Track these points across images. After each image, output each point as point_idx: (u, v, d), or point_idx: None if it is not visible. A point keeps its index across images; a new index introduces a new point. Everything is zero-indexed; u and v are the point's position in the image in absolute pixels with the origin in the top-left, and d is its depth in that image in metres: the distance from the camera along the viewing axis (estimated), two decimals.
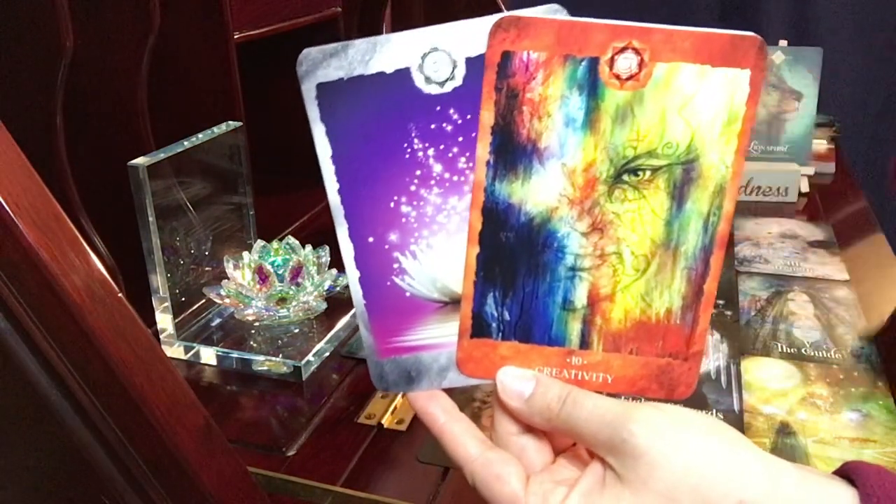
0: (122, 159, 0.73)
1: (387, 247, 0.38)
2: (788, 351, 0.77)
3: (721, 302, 0.86)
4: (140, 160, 0.73)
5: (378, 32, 1.33)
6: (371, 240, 0.38)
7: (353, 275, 0.38)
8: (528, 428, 0.38)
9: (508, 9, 1.41)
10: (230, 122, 0.86)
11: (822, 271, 0.94)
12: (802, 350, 0.77)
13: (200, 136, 0.81)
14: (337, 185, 0.37)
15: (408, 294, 0.38)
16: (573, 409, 0.36)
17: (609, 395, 0.37)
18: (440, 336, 0.38)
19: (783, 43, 1.25)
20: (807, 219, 1.11)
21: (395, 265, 0.38)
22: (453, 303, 0.38)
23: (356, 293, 0.38)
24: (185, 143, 0.79)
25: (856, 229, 1.09)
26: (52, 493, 0.57)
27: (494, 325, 0.37)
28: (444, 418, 0.38)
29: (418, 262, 0.38)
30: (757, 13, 1.70)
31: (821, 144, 1.31)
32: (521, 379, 0.37)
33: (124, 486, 0.51)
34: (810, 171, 1.25)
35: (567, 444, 0.39)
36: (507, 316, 0.37)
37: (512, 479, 0.36)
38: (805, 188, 1.20)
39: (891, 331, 0.81)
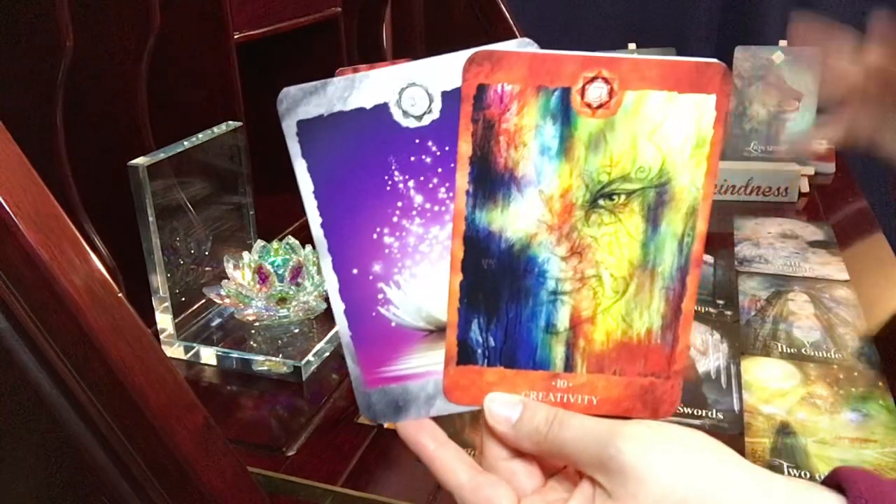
0: (122, 159, 0.73)
1: (371, 277, 0.38)
2: (788, 351, 0.77)
3: (721, 302, 0.86)
4: (140, 160, 0.73)
5: (378, 33, 1.33)
6: (355, 271, 0.38)
7: (338, 307, 0.39)
8: (518, 452, 0.38)
9: (509, 9, 1.41)
10: (230, 122, 0.86)
11: (822, 271, 0.94)
12: (802, 350, 0.77)
13: (200, 136, 0.81)
14: (320, 219, 0.38)
15: (393, 324, 0.39)
16: (560, 431, 0.36)
17: (595, 416, 0.37)
18: (426, 364, 0.39)
19: (783, 43, 1.25)
20: (807, 219, 1.11)
21: (380, 295, 0.38)
22: (438, 331, 0.39)
23: (342, 325, 0.39)
24: (185, 143, 0.79)
25: (856, 229, 1.09)
26: (52, 493, 0.58)
27: (480, 351, 0.38)
28: (434, 446, 0.39)
29: (402, 291, 0.38)
30: (757, 13, 1.70)
31: (821, 144, 1.31)
32: (507, 404, 0.38)
33: (124, 486, 0.51)
34: (810, 171, 1.25)
35: (557, 466, 0.40)
36: (491, 342, 0.38)
37: (503, 502, 0.37)
38: (805, 188, 1.20)
39: (891, 331, 0.81)
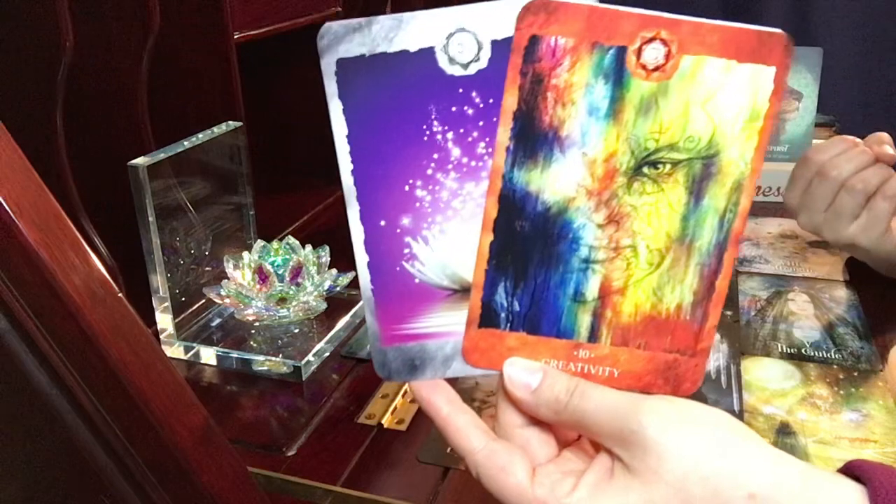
0: (122, 159, 0.73)
1: (398, 231, 0.37)
2: (788, 351, 0.77)
3: None
4: (140, 160, 0.73)
5: None
6: (383, 223, 0.37)
7: (361, 259, 0.37)
8: (533, 420, 0.38)
9: None
10: (230, 122, 0.86)
11: (822, 271, 0.94)
12: (802, 350, 0.77)
13: (200, 136, 0.81)
14: (351, 166, 0.36)
15: (417, 280, 0.37)
16: (581, 402, 0.36)
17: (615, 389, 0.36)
18: (447, 324, 0.38)
19: None
20: None
21: (406, 250, 0.37)
22: (462, 291, 0.37)
23: (364, 278, 0.37)
24: (185, 143, 0.79)
25: None
26: (52, 493, 0.57)
27: (503, 315, 0.37)
28: (448, 409, 0.38)
29: (430, 247, 0.37)
30: (757, 13, 1.69)
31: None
32: (528, 370, 0.37)
33: (124, 486, 0.51)
34: None
35: (571, 437, 0.39)
36: (516, 306, 0.37)
37: (518, 470, 0.36)
38: None
39: (891, 331, 0.81)
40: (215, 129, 0.83)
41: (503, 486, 0.36)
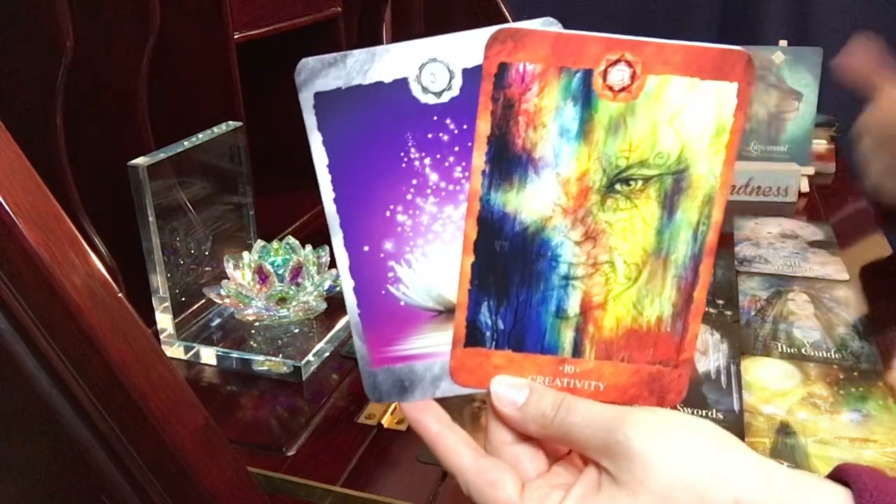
0: (122, 159, 0.73)
1: (382, 255, 0.38)
2: (788, 351, 0.77)
3: (721, 302, 0.86)
4: (140, 160, 0.73)
5: (378, 33, 1.33)
6: (366, 248, 0.38)
7: (347, 284, 0.38)
8: (523, 437, 0.38)
9: (509, 9, 1.41)
10: (230, 122, 0.86)
11: (822, 271, 0.94)
12: (802, 350, 0.77)
13: (200, 136, 0.81)
14: (333, 195, 0.37)
15: (402, 303, 0.38)
16: (567, 416, 0.36)
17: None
18: (434, 345, 0.39)
19: (783, 43, 1.25)
20: (807, 219, 1.11)
21: (390, 274, 0.38)
22: (447, 312, 0.38)
23: (350, 302, 0.38)
24: (185, 143, 0.79)
25: (856, 229, 1.09)
26: (52, 493, 0.58)
27: (488, 333, 0.38)
28: (438, 428, 0.38)
29: (413, 270, 0.38)
30: (757, 13, 1.70)
31: (821, 144, 1.31)
32: (514, 387, 0.38)
33: (124, 486, 0.51)
34: (810, 171, 1.25)
35: (561, 452, 0.40)
36: (500, 325, 0.37)
37: (507, 486, 0.37)
38: (805, 188, 1.20)
39: (891, 331, 0.81)
40: (215, 129, 0.83)
41: (493, 501, 0.36)
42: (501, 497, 0.36)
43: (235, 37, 0.89)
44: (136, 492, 0.51)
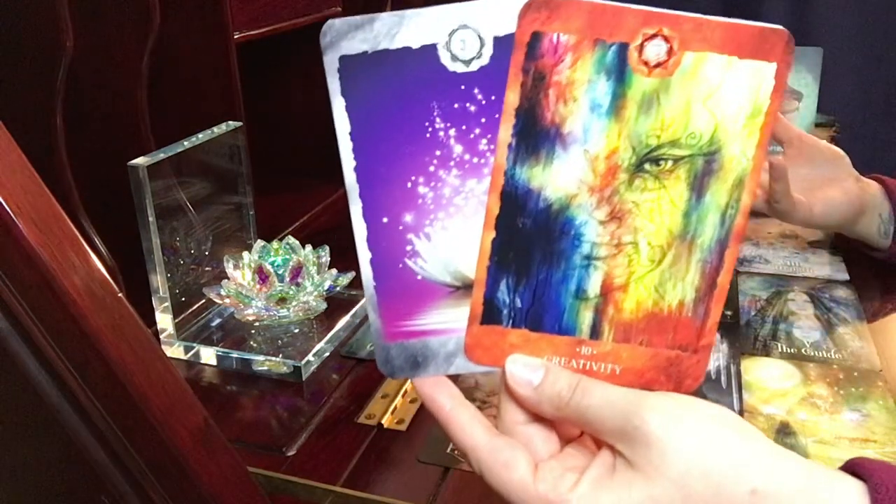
0: (122, 159, 0.73)
1: (401, 228, 0.37)
2: (788, 351, 0.77)
3: None
4: (140, 160, 0.73)
5: None
6: (385, 220, 0.37)
7: (364, 256, 0.37)
8: (535, 417, 0.38)
9: None
10: (230, 122, 0.86)
11: (822, 271, 0.94)
12: (802, 350, 0.77)
13: (200, 136, 0.81)
14: (353, 163, 0.36)
15: (419, 277, 0.37)
16: (583, 398, 0.36)
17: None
18: (449, 321, 0.38)
19: None
20: None
21: (409, 247, 0.37)
22: (465, 288, 0.37)
23: (366, 275, 0.37)
24: (185, 143, 0.79)
25: None
26: (52, 493, 0.58)
27: (506, 311, 0.37)
28: (451, 405, 0.38)
29: (432, 244, 0.37)
30: (757, 13, 1.69)
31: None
32: (529, 367, 0.37)
33: (124, 486, 0.51)
34: None
35: (573, 433, 0.39)
36: (518, 303, 0.37)
37: (520, 466, 0.36)
38: None
39: (891, 331, 0.81)
40: (215, 129, 0.83)
41: (506, 481, 0.36)
42: (515, 477, 0.36)
43: (235, 37, 0.89)
44: (136, 492, 0.51)
